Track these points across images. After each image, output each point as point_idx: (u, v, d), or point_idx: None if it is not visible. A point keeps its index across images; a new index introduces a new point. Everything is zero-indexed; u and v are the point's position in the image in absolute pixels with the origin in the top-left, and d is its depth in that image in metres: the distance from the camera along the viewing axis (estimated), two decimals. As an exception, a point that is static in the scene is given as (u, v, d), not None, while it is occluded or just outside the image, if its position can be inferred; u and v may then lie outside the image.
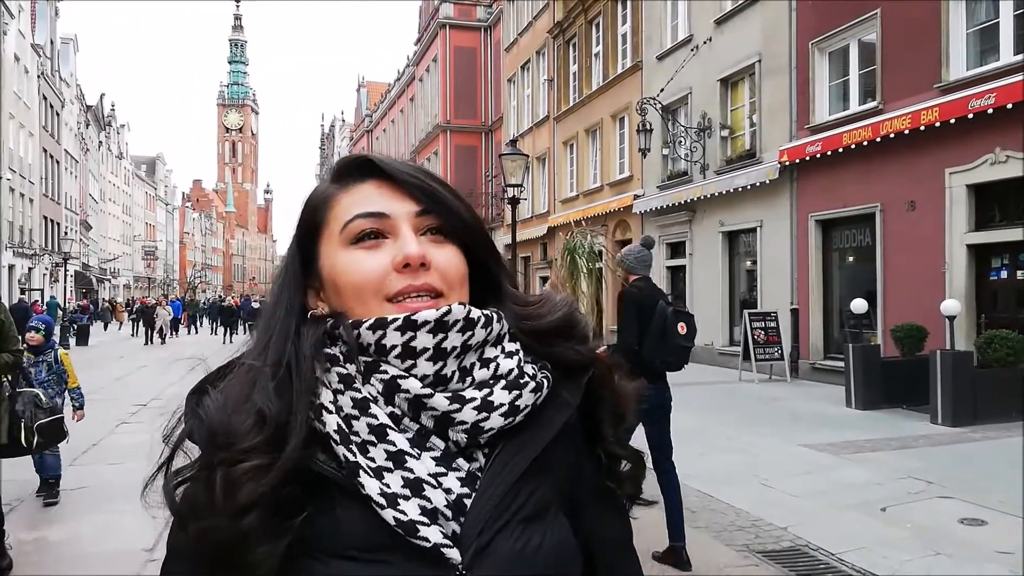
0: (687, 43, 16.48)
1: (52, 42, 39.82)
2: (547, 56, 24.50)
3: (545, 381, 0.81)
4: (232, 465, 0.72)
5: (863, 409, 9.56)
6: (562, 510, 0.81)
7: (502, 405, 0.77)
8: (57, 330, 26.31)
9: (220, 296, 56.64)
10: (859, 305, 10.45)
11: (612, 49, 20.16)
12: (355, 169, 0.82)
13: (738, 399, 11.00)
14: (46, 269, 37.81)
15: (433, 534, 0.72)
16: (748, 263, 15.22)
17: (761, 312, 13.24)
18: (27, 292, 33.04)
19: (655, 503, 0.95)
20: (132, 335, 30.87)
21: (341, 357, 0.77)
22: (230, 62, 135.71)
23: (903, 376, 9.53)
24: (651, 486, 0.86)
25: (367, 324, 0.76)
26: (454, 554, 0.72)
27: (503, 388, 0.78)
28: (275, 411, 0.74)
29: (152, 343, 26.17)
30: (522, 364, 0.81)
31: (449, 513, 0.74)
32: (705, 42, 15.77)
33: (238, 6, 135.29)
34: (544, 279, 24.82)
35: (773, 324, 12.94)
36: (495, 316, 0.80)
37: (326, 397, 0.76)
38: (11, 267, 31.93)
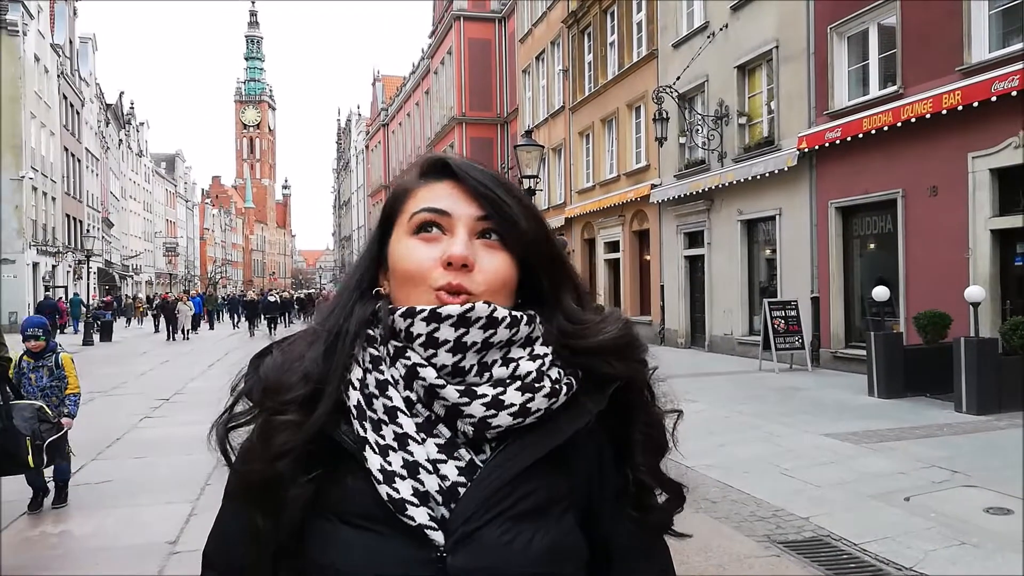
0: (703, 30, 16.31)
1: (71, 42, 40.23)
2: (562, 46, 24.37)
3: (565, 387, 0.84)
4: (273, 414, 0.82)
5: (886, 398, 9.45)
6: (572, 513, 0.84)
7: (512, 405, 0.80)
8: (81, 327, 26.45)
9: (242, 291, 57.24)
10: (881, 292, 10.32)
11: (627, 38, 20.01)
12: (438, 168, 0.88)
13: (759, 389, 10.91)
14: (69, 266, 38.31)
15: (420, 515, 0.77)
16: (767, 252, 15.08)
17: (781, 301, 13.11)
18: (51, 289, 33.52)
19: (689, 536, 0.95)
20: (155, 331, 31.11)
21: (378, 339, 0.84)
22: (247, 58, 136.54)
23: (926, 364, 9.40)
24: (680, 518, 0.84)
25: (400, 312, 0.82)
26: (438, 536, 0.77)
27: (517, 389, 0.81)
28: (318, 374, 0.83)
29: (175, 339, 26.03)
30: (544, 368, 0.84)
31: (440, 498, 0.79)
32: (721, 29, 15.61)
33: (254, 3, 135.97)
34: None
35: (793, 313, 12.82)
36: (524, 318, 0.84)
37: (355, 374, 0.83)
38: (35, 265, 32.38)
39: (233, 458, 0.87)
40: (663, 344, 18.30)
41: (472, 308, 0.79)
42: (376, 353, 0.84)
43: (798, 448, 7.01)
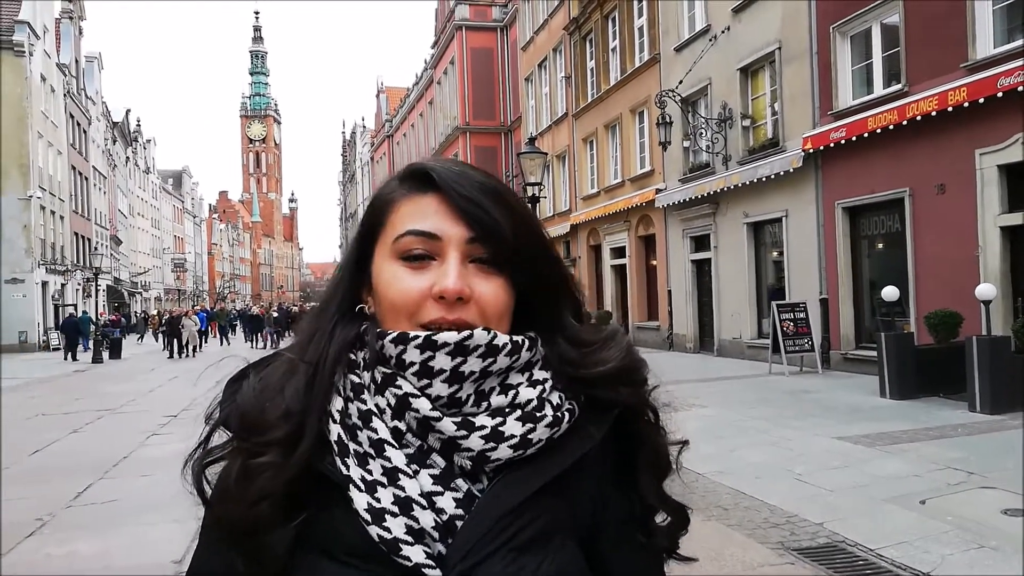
0: (705, 33, 16.29)
1: (77, 61, 40.52)
2: (564, 53, 24.40)
3: (567, 415, 0.79)
4: (252, 456, 0.75)
5: (898, 399, 9.34)
6: (574, 540, 0.79)
7: (512, 437, 0.75)
8: (91, 344, 26.49)
9: (248, 305, 57.47)
10: (890, 292, 10.22)
11: (629, 43, 20.01)
12: (420, 179, 0.80)
13: (769, 392, 10.82)
14: (78, 285, 38.48)
15: (416, 554, 0.71)
16: (774, 254, 15.00)
17: (789, 303, 13.02)
18: (63, 307, 33.62)
19: (695, 560, 0.91)
20: (163, 348, 30.81)
21: (361, 364, 0.78)
22: (251, 73, 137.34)
23: (938, 364, 9.30)
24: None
25: (390, 337, 0.75)
26: (435, 574, 0.71)
27: (517, 419, 0.76)
28: (299, 409, 0.76)
29: (180, 356, 25.10)
30: (545, 395, 0.79)
31: (436, 534, 0.73)
32: (723, 31, 15.58)
33: (257, 18, 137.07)
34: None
35: (802, 315, 12.72)
36: (524, 343, 0.78)
37: (336, 405, 0.77)
38: (44, 284, 32.54)
39: (209, 493, 0.80)
40: (671, 349, 18.20)
41: (471, 336, 0.74)
42: (358, 380, 0.78)
43: (810, 452, 6.92)
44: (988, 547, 4.30)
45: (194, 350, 26.31)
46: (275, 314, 31.13)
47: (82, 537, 5.33)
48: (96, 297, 32.78)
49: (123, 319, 39.07)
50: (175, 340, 25.75)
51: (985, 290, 8.72)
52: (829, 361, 12.87)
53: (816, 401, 9.80)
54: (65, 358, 24.79)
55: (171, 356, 25.18)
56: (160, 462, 7.68)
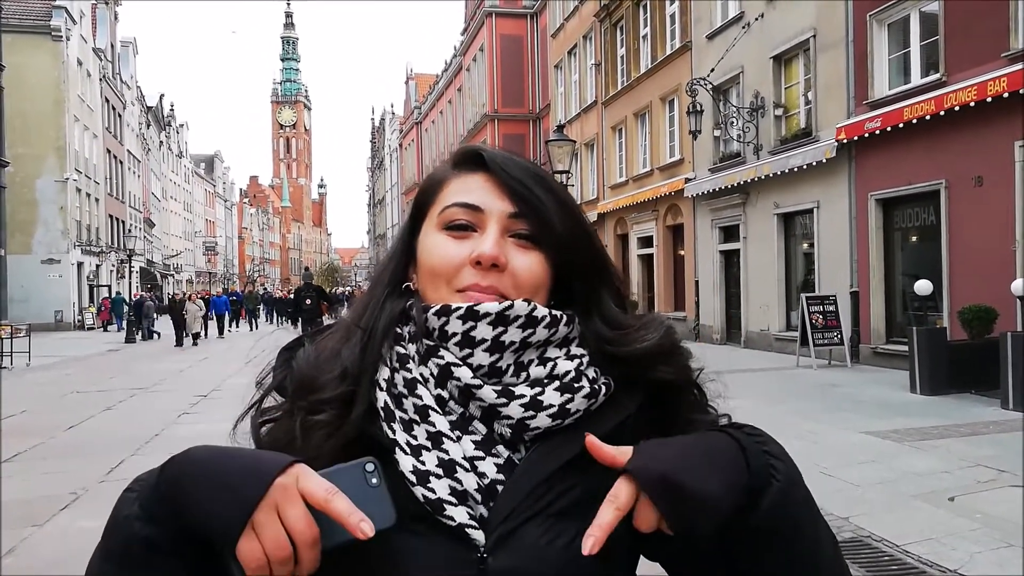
0: (738, 20, 16.07)
1: (112, 46, 41.13)
2: (594, 40, 24.22)
3: (604, 388, 0.81)
4: (310, 414, 0.77)
5: (929, 395, 9.21)
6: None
7: (551, 406, 0.77)
8: (124, 324, 26.75)
9: (264, 288, 58.08)
10: (923, 286, 10.06)
11: (660, 30, 19.81)
12: (471, 160, 0.85)
13: (796, 385, 10.72)
14: (112, 266, 39.21)
15: (459, 514, 0.73)
16: (805, 245, 14.82)
17: (819, 296, 12.87)
18: (95, 287, 34.21)
19: None
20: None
21: (407, 337, 0.81)
22: (282, 59, 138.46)
23: (971, 360, 9.15)
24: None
25: (433, 310, 0.79)
26: (478, 535, 0.73)
27: (555, 390, 0.78)
28: (355, 372, 0.79)
29: (183, 345, 22.00)
30: (583, 368, 0.81)
31: (479, 497, 0.75)
32: (757, 19, 15.35)
33: (289, 4, 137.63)
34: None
35: (832, 308, 12.57)
36: (563, 318, 0.81)
37: (382, 375, 0.80)
38: (80, 264, 33.22)
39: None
40: (698, 340, 18.09)
41: (511, 306, 0.77)
42: (403, 351, 0.80)
43: (837, 446, 6.86)
44: (1017, 546, 4.23)
45: (196, 337, 23.24)
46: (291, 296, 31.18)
47: (114, 512, 5.45)
48: (129, 278, 33.39)
49: (156, 301, 39.46)
50: (179, 328, 22.47)
51: (1021, 285, 8.55)
52: (858, 355, 12.71)
53: (844, 395, 9.69)
54: (140, 335, 25.01)
55: (177, 344, 22.05)
56: (190, 440, 7.67)
